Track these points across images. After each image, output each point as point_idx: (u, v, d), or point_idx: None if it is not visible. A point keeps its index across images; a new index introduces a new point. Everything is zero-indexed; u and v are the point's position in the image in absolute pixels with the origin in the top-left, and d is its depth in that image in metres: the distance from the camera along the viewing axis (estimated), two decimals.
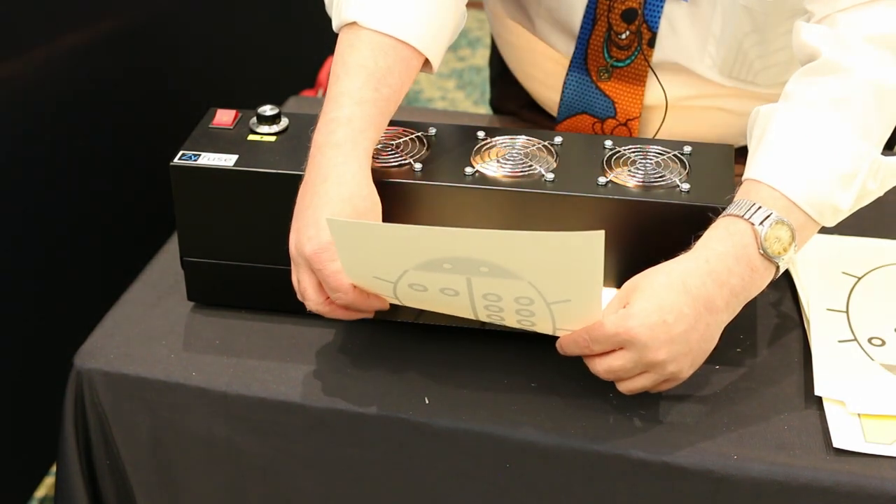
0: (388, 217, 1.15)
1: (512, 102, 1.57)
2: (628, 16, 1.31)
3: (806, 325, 1.20)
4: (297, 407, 1.15)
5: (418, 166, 1.15)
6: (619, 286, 1.15)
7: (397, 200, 1.14)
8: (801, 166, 1.07)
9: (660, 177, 1.13)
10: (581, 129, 1.39)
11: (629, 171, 1.14)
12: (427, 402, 1.13)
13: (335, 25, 1.17)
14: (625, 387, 1.07)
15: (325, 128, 1.10)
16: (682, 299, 1.03)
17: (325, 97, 1.13)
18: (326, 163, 1.08)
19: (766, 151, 1.09)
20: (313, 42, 2.78)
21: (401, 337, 1.19)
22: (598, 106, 1.37)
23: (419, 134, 1.21)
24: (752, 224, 1.05)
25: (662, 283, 1.04)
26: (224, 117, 1.23)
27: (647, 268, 1.13)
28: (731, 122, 1.36)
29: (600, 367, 1.06)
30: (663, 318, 1.02)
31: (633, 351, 1.03)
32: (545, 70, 1.43)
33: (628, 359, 1.04)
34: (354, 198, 1.07)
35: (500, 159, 1.16)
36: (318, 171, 1.08)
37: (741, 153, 1.18)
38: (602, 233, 0.94)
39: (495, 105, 1.66)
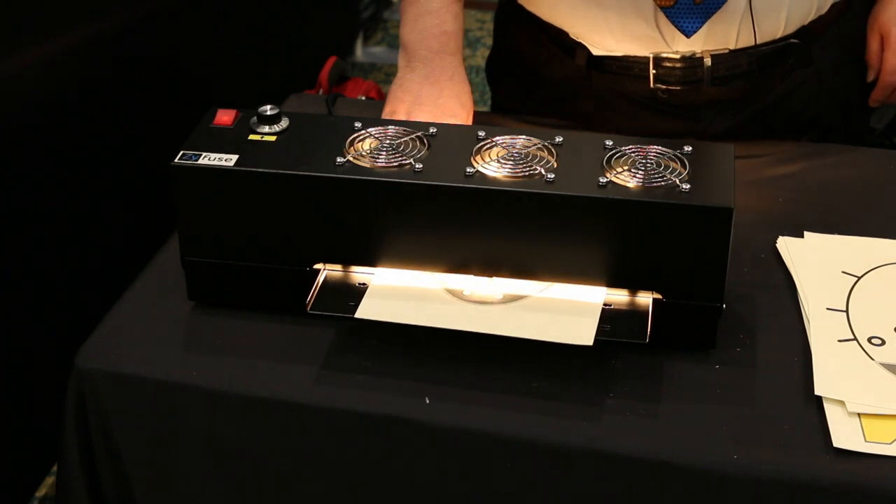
0: (388, 216, 1.15)
1: (518, 101, 1.57)
2: None
3: (806, 325, 1.20)
4: (297, 407, 1.15)
5: (419, 166, 1.15)
6: (614, 286, 1.16)
7: (397, 200, 1.15)
8: None
9: (660, 177, 1.13)
10: None
11: (629, 171, 1.14)
12: (427, 402, 1.13)
13: None
14: None
15: (437, 38, 1.41)
16: None
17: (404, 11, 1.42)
18: (448, 66, 1.43)
19: None
20: (313, 42, 2.78)
21: (401, 337, 1.19)
22: None
23: (419, 134, 1.21)
24: None
25: None
26: (224, 117, 1.23)
27: (646, 268, 1.14)
28: None
29: None
30: None
31: None
32: None
33: None
34: (468, 93, 1.44)
35: (500, 159, 1.16)
36: (443, 71, 1.42)
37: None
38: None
39: (500, 104, 1.66)
